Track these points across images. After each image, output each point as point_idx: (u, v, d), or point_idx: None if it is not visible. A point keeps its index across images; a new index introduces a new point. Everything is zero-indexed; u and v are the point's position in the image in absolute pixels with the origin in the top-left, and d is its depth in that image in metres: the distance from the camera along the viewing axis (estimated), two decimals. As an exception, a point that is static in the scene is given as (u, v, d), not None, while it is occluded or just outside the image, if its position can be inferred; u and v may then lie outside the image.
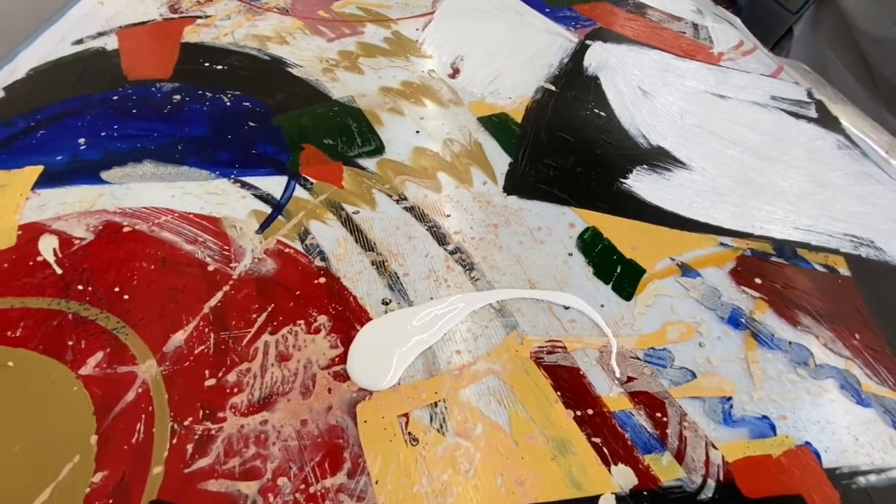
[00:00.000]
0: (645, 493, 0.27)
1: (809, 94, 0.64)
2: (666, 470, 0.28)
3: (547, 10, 0.74)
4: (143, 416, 0.28)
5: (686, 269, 0.39)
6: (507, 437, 0.29)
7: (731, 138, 0.55)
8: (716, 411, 0.31)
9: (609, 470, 0.28)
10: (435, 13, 0.69)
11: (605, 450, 0.29)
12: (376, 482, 0.26)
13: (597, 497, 0.27)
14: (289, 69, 0.56)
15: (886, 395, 0.34)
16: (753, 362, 0.34)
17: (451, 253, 0.39)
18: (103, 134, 0.45)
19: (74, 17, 0.61)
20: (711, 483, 0.28)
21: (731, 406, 0.31)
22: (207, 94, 0.51)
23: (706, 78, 0.64)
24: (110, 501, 0.25)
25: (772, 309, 0.37)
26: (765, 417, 0.31)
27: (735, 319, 0.36)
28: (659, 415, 0.30)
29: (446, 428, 0.29)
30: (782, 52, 1.00)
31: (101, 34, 0.58)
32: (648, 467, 0.28)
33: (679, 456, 0.29)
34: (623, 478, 0.28)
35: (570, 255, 0.40)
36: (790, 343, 0.35)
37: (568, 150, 0.50)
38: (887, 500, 0.29)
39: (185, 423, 0.28)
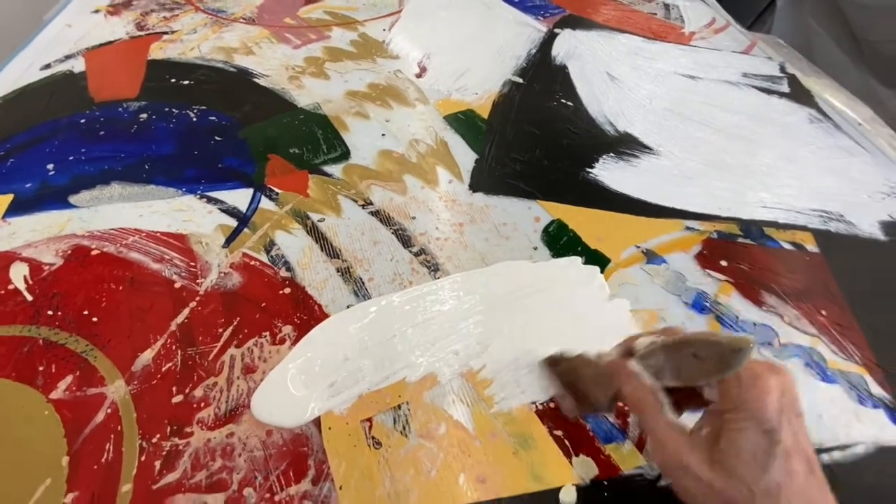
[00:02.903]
0: (605, 482, 0.28)
1: (782, 69, 0.63)
2: (627, 458, 0.29)
3: (515, 0, 0.73)
4: (113, 435, 0.29)
5: (651, 256, 0.40)
6: (469, 436, 0.29)
7: (701, 120, 0.55)
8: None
9: (570, 461, 0.28)
10: (402, 12, 0.69)
11: (566, 442, 0.29)
12: (340, 487, 0.27)
13: (558, 489, 0.27)
14: (255, 80, 0.56)
15: (852, 370, 0.34)
16: (717, 346, 0.34)
17: (416, 255, 0.39)
18: (71, 158, 0.46)
19: (42, 41, 0.62)
20: (672, 468, 0.28)
21: (693, 391, 0.32)
22: (174, 110, 0.51)
23: (676, 59, 0.64)
24: (81, 521, 0.26)
25: (737, 291, 0.37)
26: (726, 400, 0.31)
27: (699, 304, 0.36)
28: (620, 404, 0.31)
29: (409, 430, 0.29)
30: (765, 26, 0.99)
31: (68, 57, 0.59)
32: (609, 457, 0.29)
33: (640, 444, 0.29)
34: (584, 468, 0.28)
35: (535, 248, 0.40)
36: (755, 324, 0.35)
37: (534, 143, 0.50)
38: (851, 475, 0.29)
39: (153, 440, 0.28)
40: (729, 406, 0.21)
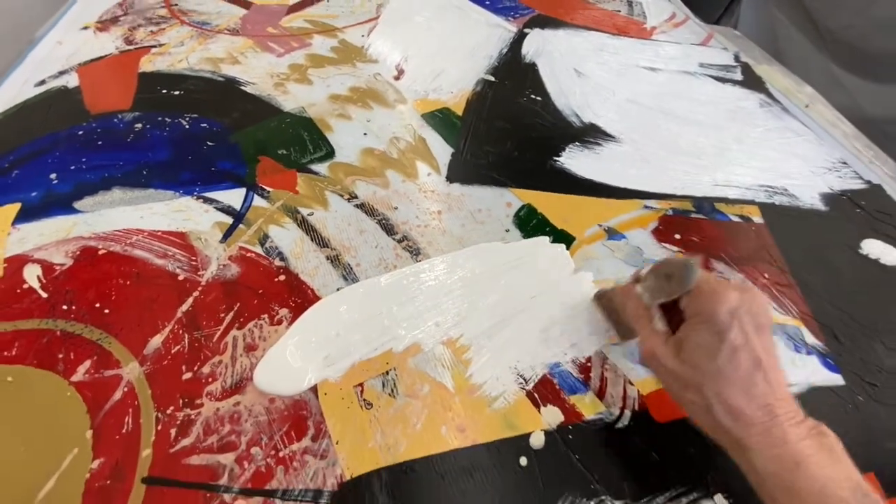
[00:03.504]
0: (570, 427, 0.32)
1: (736, 58, 0.67)
2: (589, 406, 0.33)
3: (487, 2, 0.77)
4: (131, 409, 0.32)
5: (612, 233, 0.44)
6: (449, 394, 0.33)
7: (660, 108, 0.59)
8: (633, 354, 0.35)
9: (539, 411, 0.32)
10: (379, 18, 0.73)
11: (535, 395, 0.33)
12: (337, 442, 0.31)
13: (528, 434, 0.31)
14: (242, 87, 0.59)
15: (790, 322, 0.38)
16: (669, 308, 0.38)
17: (399, 241, 0.43)
18: (73, 167, 0.49)
19: (35, 59, 0.64)
20: (627, 413, 0.32)
21: (648, 347, 0.36)
22: (167, 119, 0.54)
23: (638, 53, 0.68)
24: (108, 482, 0.29)
25: (689, 260, 0.42)
26: (676, 353, 0.35)
27: (655, 272, 0.40)
28: (583, 361, 0.35)
29: (397, 391, 0.33)
30: (733, 18, 1.04)
31: (61, 73, 0.61)
32: (573, 406, 0.32)
33: (600, 394, 0.33)
34: (551, 416, 0.32)
35: (507, 231, 0.44)
36: (703, 288, 0.40)
37: (506, 136, 0.54)
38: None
39: (168, 411, 0.32)
40: (691, 313, 0.27)
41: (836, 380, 0.35)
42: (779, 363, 0.26)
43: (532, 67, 0.64)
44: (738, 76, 0.64)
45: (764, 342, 0.26)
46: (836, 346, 0.37)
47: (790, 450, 0.23)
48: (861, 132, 0.56)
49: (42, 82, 0.60)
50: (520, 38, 0.69)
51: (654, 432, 0.31)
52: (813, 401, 0.34)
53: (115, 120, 0.54)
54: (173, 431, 0.31)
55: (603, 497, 0.29)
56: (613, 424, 0.32)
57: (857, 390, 0.34)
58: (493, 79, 0.62)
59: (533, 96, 0.59)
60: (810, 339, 0.37)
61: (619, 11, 0.77)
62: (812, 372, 0.35)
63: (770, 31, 0.91)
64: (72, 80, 0.60)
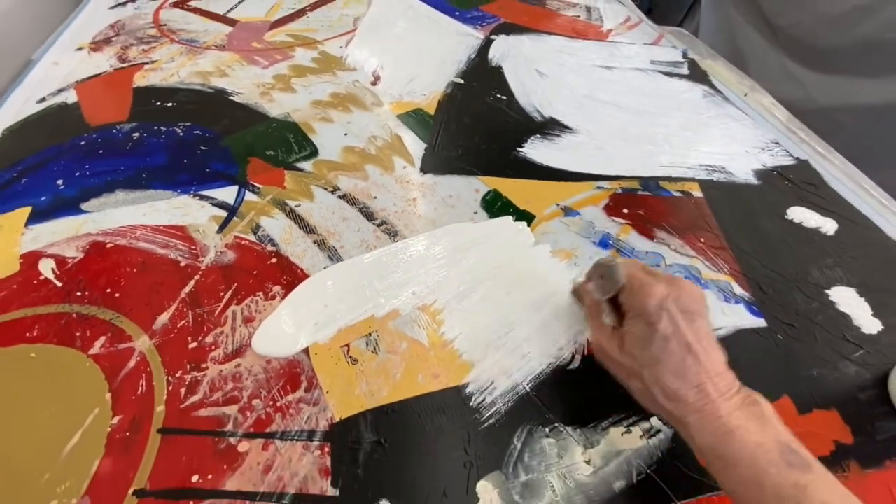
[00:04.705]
0: (529, 370, 0.37)
1: (684, 55, 0.74)
2: (545, 353, 0.37)
3: (456, 13, 0.84)
4: (144, 374, 0.36)
5: (568, 211, 0.49)
6: (424, 349, 0.38)
7: (614, 102, 0.65)
8: (585, 308, 0.40)
9: (502, 359, 0.37)
10: (356, 30, 0.78)
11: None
12: (327, 392, 0.35)
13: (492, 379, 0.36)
14: (231, 97, 0.64)
15: (721, 278, 0.43)
16: (617, 270, 0.43)
17: (379, 225, 0.48)
18: (77, 174, 0.53)
19: (34, 80, 0.69)
20: (578, 357, 0.37)
21: (597, 303, 0.41)
22: (162, 128, 0.59)
23: (595, 53, 0.74)
24: (127, 434, 0.33)
25: (635, 230, 0.47)
26: (622, 307, 0.40)
27: (604, 242, 0.46)
28: (541, 317, 0.40)
29: (379, 349, 0.38)
30: (694, 22, 1.11)
31: (60, 90, 0.66)
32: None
33: (555, 342, 0.38)
34: (513, 363, 0.37)
35: (475, 213, 0.49)
36: (647, 252, 0.45)
37: (474, 132, 0.59)
38: (715, 351, 0.39)
39: (177, 375, 0.36)
40: (627, 308, 0.31)
41: (760, 323, 0.40)
42: (713, 344, 0.29)
43: (498, 70, 0.70)
44: (685, 71, 0.71)
45: (694, 328, 0.28)
46: (761, 295, 0.42)
47: (722, 423, 0.26)
48: (814, 121, 0.62)
49: (42, 99, 0.65)
50: (487, 45, 0.75)
51: (601, 372, 0.36)
52: (740, 340, 0.39)
53: (114, 131, 0.59)
54: (183, 391, 0.35)
55: (556, 424, 0.34)
56: (566, 367, 0.37)
57: (778, 330, 0.40)
58: (462, 81, 0.67)
59: (499, 96, 0.65)
60: (739, 290, 0.42)
61: (579, 17, 0.84)
62: (739, 318, 0.40)
63: (729, 31, 0.98)
64: (70, 97, 0.65)
